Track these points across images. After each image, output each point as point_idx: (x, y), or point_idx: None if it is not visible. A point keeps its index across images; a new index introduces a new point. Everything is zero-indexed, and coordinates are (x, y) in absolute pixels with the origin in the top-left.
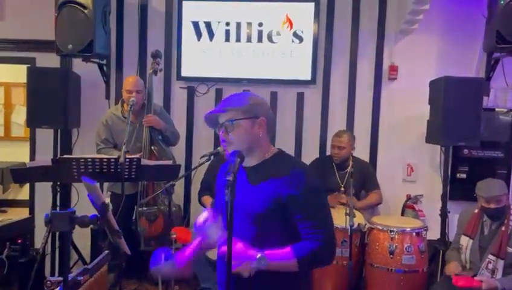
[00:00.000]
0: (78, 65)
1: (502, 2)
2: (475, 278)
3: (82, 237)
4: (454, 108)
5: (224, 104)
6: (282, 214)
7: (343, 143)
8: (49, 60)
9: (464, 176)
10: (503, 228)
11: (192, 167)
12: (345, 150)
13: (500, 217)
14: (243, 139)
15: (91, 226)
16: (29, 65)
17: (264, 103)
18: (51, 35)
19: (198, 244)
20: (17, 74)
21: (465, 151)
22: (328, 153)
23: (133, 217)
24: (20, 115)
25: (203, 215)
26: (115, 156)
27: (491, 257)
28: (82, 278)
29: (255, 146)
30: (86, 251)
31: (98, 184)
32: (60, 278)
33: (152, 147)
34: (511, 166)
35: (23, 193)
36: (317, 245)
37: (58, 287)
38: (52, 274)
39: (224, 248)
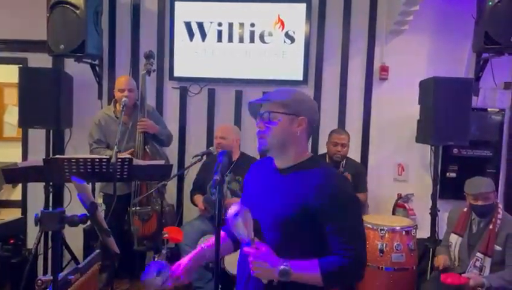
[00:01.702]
0: (70, 65)
1: (490, 3)
2: (463, 275)
3: (75, 237)
4: (444, 108)
5: (268, 95)
6: (311, 223)
7: (345, 140)
8: (41, 60)
9: (453, 175)
10: (490, 226)
11: (185, 166)
12: (346, 147)
13: (488, 215)
14: (278, 134)
15: (83, 226)
16: (21, 65)
17: (310, 103)
18: (43, 35)
19: (197, 253)
20: (9, 74)
21: (455, 150)
22: (320, 151)
23: (126, 217)
24: (12, 115)
25: (233, 208)
26: (107, 156)
27: (479, 254)
28: (73, 277)
29: (289, 145)
30: (78, 251)
31: (90, 185)
32: (51, 277)
33: (145, 147)
34: (500, 165)
35: (16, 194)
36: (346, 262)
37: (49, 286)
38: (45, 274)
39: (247, 248)
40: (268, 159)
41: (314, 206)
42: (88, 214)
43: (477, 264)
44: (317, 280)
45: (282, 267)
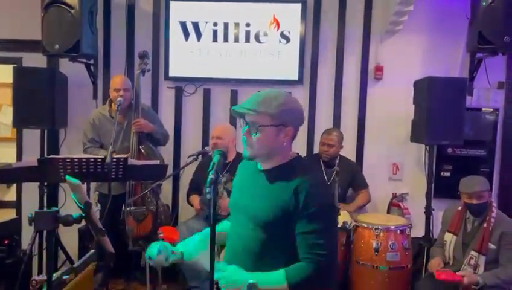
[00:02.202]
0: (65, 65)
1: (484, 3)
2: (457, 273)
3: (70, 237)
4: (438, 107)
5: (255, 104)
6: (288, 223)
7: (333, 141)
8: (35, 60)
9: (448, 174)
10: (485, 225)
11: (180, 166)
12: (334, 148)
13: (482, 213)
14: (265, 145)
15: (78, 226)
16: (15, 65)
17: (297, 112)
18: (38, 35)
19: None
20: (4, 73)
21: (449, 150)
22: (315, 151)
23: (121, 217)
24: (7, 115)
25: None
26: (102, 156)
27: (473, 253)
28: (67, 277)
29: (275, 152)
30: (73, 251)
31: (85, 185)
32: (46, 277)
33: (140, 147)
34: (494, 164)
35: (10, 194)
36: (314, 269)
37: (44, 286)
38: (40, 275)
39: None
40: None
41: (291, 208)
42: (82, 214)
43: (472, 262)
44: (283, 288)
45: (248, 282)
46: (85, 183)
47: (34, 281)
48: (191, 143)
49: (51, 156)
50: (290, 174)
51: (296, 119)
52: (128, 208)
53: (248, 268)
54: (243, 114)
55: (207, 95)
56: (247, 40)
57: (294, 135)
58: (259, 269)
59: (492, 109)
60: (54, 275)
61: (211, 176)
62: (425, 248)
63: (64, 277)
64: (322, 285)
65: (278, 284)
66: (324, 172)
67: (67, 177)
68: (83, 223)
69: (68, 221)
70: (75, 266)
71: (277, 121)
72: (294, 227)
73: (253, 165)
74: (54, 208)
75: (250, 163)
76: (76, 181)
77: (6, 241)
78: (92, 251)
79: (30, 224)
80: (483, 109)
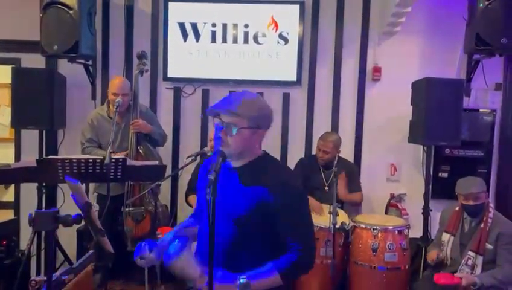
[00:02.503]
0: (64, 66)
1: (481, 5)
2: (455, 275)
3: (68, 238)
4: (436, 108)
5: (234, 105)
6: (265, 219)
7: (328, 148)
8: (34, 61)
9: (445, 175)
10: (482, 225)
11: (179, 167)
12: (329, 154)
13: (479, 214)
14: (240, 145)
15: (77, 226)
16: (14, 66)
17: (270, 115)
18: (36, 35)
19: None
20: (2, 74)
21: (447, 150)
22: (313, 152)
23: (120, 218)
24: (5, 116)
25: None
26: (100, 157)
27: (470, 253)
28: (66, 277)
29: (247, 152)
30: (72, 252)
31: (84, 185)
32: (45, 278)
33: (138, 148)
34: (491, 165)
35: (8, 195)
36: (299, 255)
37: (43, 287)
38: (38, 275)
39: (202, 280)
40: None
41: (268, 202)
42: (82, 214)
43: (469, 262)
44: (277, 281)
45: (241, 281)
46: (84, 184)
47: (33, 282)
48: (190, 144)
49: (50, 157)
50: (262, 170)
51: (269, 122)
52: (126, 209)
53: (222, 265)
54: (219, 114)
55: (205, 95)
56: (246, 41)
57: (263, 136)
58: (233, 265)
59: (489, 110)
60: (54, 275)
61: (210, 176)
62: (423, 249)
63: (64, 277)
64: (307, 270)
65: (269, 276)
66: (322, 173)
67: (67, 178)
68: (82, 223)
69: (68, 221)
70: (74, 266)
71: (253, 123)
72: (271, 221)
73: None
74: (54, 208)
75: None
76: (76, 181)
77: (4, 242)
78: (91, 251)
79: (30, 224)
80: (480, 110)
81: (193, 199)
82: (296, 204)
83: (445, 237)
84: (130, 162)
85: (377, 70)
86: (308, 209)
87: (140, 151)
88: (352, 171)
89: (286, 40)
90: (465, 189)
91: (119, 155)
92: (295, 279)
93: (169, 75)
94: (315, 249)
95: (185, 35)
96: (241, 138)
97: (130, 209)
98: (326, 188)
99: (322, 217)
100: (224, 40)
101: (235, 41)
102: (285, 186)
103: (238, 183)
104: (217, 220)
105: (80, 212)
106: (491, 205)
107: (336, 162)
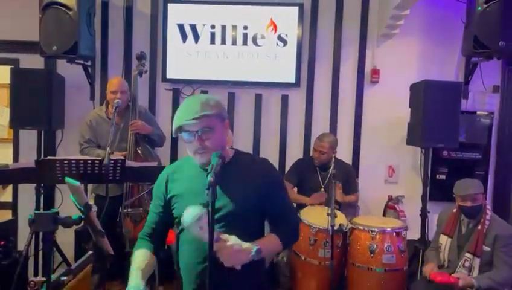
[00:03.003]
0: (63, 66)
1: (479, 8)
2: (452, 275)
3: (66, 239)
4: (434, 111)
5: (199, 111)
6: (254, 211)
7: (324, 148)
8: (33, 61)
9: (443, 177)
10: (479, 227)
11: None
12: (325, 155)
13: (476, 216)
14: (218, 144)
15: (75, 227)
16: (12, 66)
17: (224, 105)
18: (35, 36)
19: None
20: (1, 74)
21: (445, 153)
22: (311, 153)
23: (118, 219)
24: (3, 116)
25: (191, 213)
26: (99, 158)
27: (467, 255)
28: (65, 278)
29: (223, 148)
30: (70, 253)
31: (82, 185)
32: (43, 279)
33: (137, 149)
34: (489, 167)
35: (6, 195)
36: (293, 228)
37: (42, 288)
38: (36, 276)
39: (217, 244)
40: (184, 162)
41: (259, 193)
42: (82, 216)
43: (466, 264)
44: (279, 248)
45: (255, 249)
46: (82, 185)
47: (32, 283)
48: None
49: (48, 158)
50: (239, 166)
51: (226, 111)
52: (125, 210)
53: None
54: (189, 125)
55: None
56: (245, 42)
57: (228, 127)
58: None
59: (487, 113)
60: (52, 276)
61: (209, 178)
62: (421, 250)
63: (62, 279)
64: (298, 236)
65: (275, 244)
66: (319, 175)
67: (66, 179)
68: (80, 224)
69: (68, 223)
70: (73, 267)
71: (220, 117)
72: (266, 208)
73: (192, 167)
74: (54, 210)
75: (184, 166)
76: (76, 183)
77: (2, 243)
78: (90, 252)
79: (30, 226)
80: (478, 112)
81: None
82: (283, 186)
83: (443, 239)
84: (129, 163)
85: (375, 72)
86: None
87: (139, 152)
88: (349, 173)
89: (285, 42)
90: (463, 190)
91: (118, 156)
92: (290, 244)
93: (168, 76)
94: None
95: (184, 36)
96: (217, 137)
97: (129, 210)
98: (322, 189)
99: (320, 219)
100: (223, 42)
101: (234, 42)
102: (268, 174)
103: (224, 184)
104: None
105: (79, 213)
106: (489, 207)
107: (332, 163)
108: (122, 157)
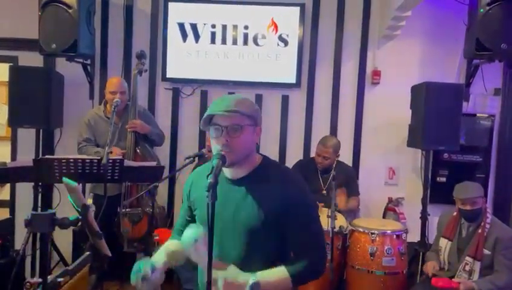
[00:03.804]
0: (62, 65)
1: (482, 11)
2: (453, 279)
3: (63, 238)
4: (435, 113)
5: (234, 105)
6: (275, 229)
7: (328, 154)
8: (32, 59)
9: (443, 179)
10: (479, 231)
11: (177, 168)
12: (329, 160)
13: (476, 219)
14: (245, 146)
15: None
16: (11, 64)
17: (259, 110)
18: (34, 34)
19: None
20: None
21: (445, 155)
22: (312, 155)
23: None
24: (1, 114)
25: (190, 233)
26: (97, 157)
27: (468, 258)
28: (62, 279)
29: (249, 155)
30: (67, 253)
31: (80, 185)
32: (40, 280)
33: (136, 148)
34: (490, 170)
35: (4, 194)
36: (312, 261)
37: (38, 289)
38: (33, 276)
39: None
40: (206, 167)
41: (278, 211)
42: (79, 217)
43: (467, 268)
44: (287, 284)
45: (251, 281)
46: (80, 184)
47: (28, 284)
48: (188, 145)
49: (46, 156)
50: (266, 179)
51: (261, 119)
52: (123, 210)
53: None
54: (219, 117)
55: (204, 96)
56: (245, 42)
57: (260, 135)
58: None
59: (487, 115)
60: (49, 277)
61: (209, 180)
62: (421, 253)
63: (59, 280)
64: (318, 276)
65: (280, 278)
66: (320, 177)
67: (64, 179)
68: (78, 225)
69: (65, 224)
70: (69, 268)
71: (253, 121)
72: (284, 229)
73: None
74: (51, 210)
75: (204, 174)
76: (74, 183)
77: None
78: (87, 253)
79: (26, 226)
80: (478, 114)
81: None
82: (309, 211)
83: (443, 242)
84: (128, 162)
85: (376, 73)
86: (317, 213)
87: (138, 151)
88: (350, 175)
89: (286, 42)
90: (463, 194)
91: (116, 152)
92: (304, 283)
93: (167, 75)
94: (326, 256)
95: (184, 35)
96: (245, 139)
97: (127, 210)
98: (324, 192)
99: (320, 220)
100: (224, 41)
101: (234, 42)
102: (295, 192)
103: (245, 194)
104: (227, 234)
105: (76, 213)
106: (489, 210)
107: (334, 165)
108: (121, 157)
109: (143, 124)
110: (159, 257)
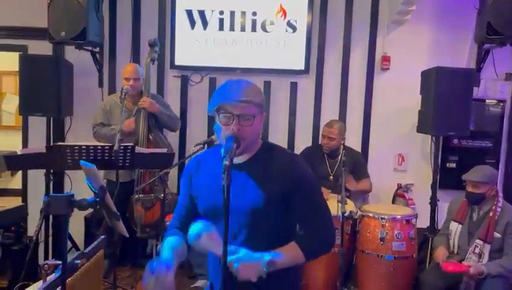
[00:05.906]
0: (71, 53)
1: None
2: (463, 263)
3: (76, 226)
4: (445, 98)
5: (247, 95)
6: (279, 209)
7: (333, 134)
8: (41, 48)
9: (453, 165)
10: (490, 214)
11: (186, 155)
12: (334, 141)
13: (477, 203)
14: (255, 134)
15: (85, 213)
16: (21, 53)
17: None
18: (44, 22)
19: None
20: (7, 62)
21: (455, 141)
22: (320, 141)
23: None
24: (10, 104)
25: (194, 229)
26: (110, 141)
27: (478, 241)
28: (79, 261)
29: (256, 141)
30: (79, 239)
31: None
32: (57, 262)
33: (149, 135)
34: (500, 156)
35: (15, 182)
36: (322, 234)
37: (56, 271)
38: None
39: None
40: (210, 153)
41: (281, 190)
42: (97, 199)
43: (476, 250)
44: (300, 258)
45: (266, 261)
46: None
47: (46, 266)
48: (197, 132)
49: (59, 143)
50: (268, 160)
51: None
52: (136, 196)
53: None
54: (232, 106)
55: (213, 84)
56: (254, 29)
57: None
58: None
59: (496, 101)
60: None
61: (225, 162)
62: (430, 238)
63: (76, 262)
64: (329, 249)
65: (294, 255)
66: (327, 163)
67: (81, 162)
68: (89, 210)
69: (83, 205)
70: (86, 251)
71: (261, 108)
72: (290, 207)
73: (217, 160)
74: (68, 192)
75: (209, 158)
76: (91, 165)
77: (12, 228)
78: (102, 236)
79: (44, 209)
80: (488, 100)
81: None
82: (313, 187)
83: (453, 225)
84: (139, 149)
85: (386, 59)
86: (321, 191)
87: (151, 138)
88: (358, 159)
89: (294, 28)
90: (468, 174)
91: (131, 125)
92: (317, 257)
93: (176, 63)
94: (334, 229)
95: (192, 22)
96: (255, 126)
97: (140, 196)
98: (331, 177)
99: (330, 206)
100: (232, 28)
101: (242, 29)
102: (299, 170)
103: (247, 178)
104: (232, 217)
105: (92, 197)
106: (500, 194)
107: (342, 151)
108: (132, 144)
109: (152, 102)
110: (168, 255)
